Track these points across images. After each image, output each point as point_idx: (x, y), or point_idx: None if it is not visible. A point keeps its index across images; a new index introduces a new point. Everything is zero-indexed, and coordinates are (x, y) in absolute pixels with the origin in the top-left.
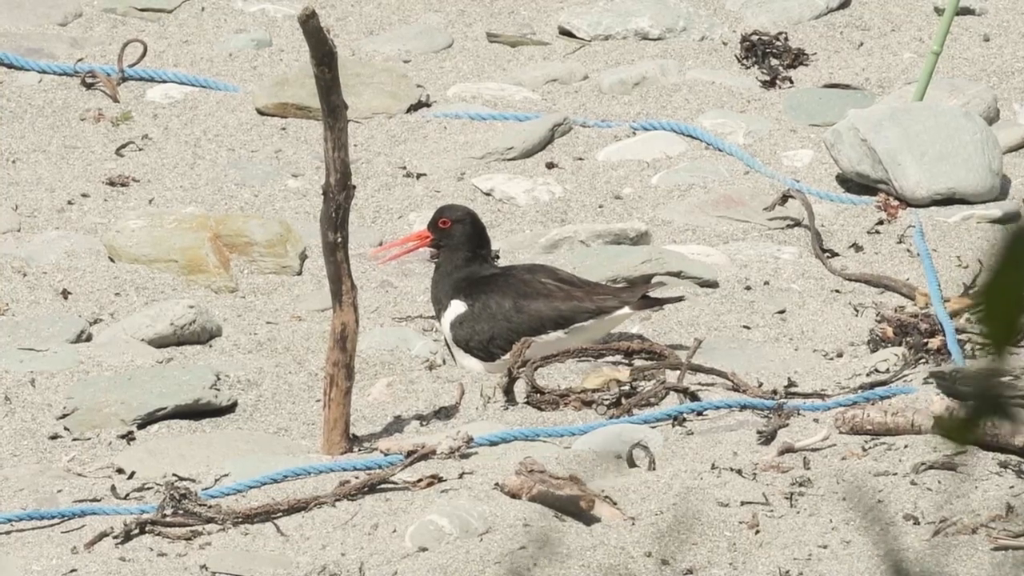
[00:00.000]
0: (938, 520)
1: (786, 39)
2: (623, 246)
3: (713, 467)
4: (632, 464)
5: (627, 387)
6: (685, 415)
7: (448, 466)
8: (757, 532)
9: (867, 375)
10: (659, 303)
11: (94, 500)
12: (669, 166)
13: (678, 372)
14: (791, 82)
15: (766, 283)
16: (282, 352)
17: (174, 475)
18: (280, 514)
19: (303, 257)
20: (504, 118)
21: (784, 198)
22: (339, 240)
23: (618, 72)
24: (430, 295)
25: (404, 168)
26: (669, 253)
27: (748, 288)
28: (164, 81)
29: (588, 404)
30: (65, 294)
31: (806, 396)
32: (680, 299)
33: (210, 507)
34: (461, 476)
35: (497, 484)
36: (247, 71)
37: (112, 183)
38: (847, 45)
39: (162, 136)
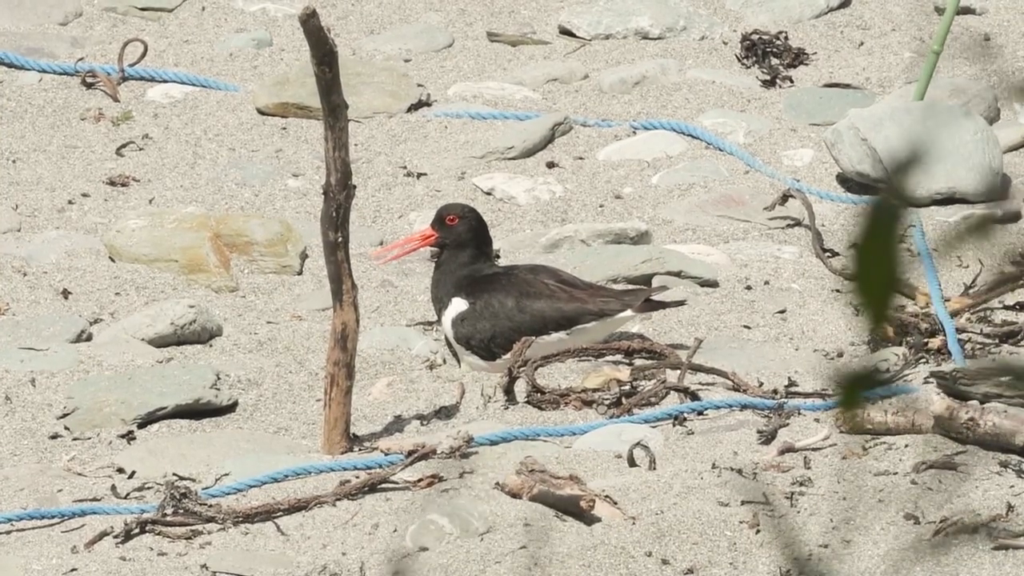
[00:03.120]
0: (939, 520)
1: (786, 38)
2: (623, 245)
3: (714, 466)
4: (633, 464)
5: (627, 387)
6: (686, 415)
7: (448, 466)
8: (758, 532)
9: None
10: (662, 306)
11: (94, 500)
12: (669, 165)
13: (678, 372)
14: (791, 81)
15: (766, 283)
16: (282, 352)
17: (174, 474)
18: (280, 513)
19: (303, 256)
20: (505, 117)
21: (784, 198)
22: (340, 240)
23: (618, 71)
24: (430, 294)
25: (405, 168)
26: (669, 252)
27: (748, 288)
28: (164, 81)
29: (588, 404)
30: (65, 294)
31: (807, 396)
32: (682, 303)
33: (210, 506)
34: (461, 476)
35: (497, 484)
36: (247, 70)
37: (112, 183)
38: (847, 44)
39: (162, 136)
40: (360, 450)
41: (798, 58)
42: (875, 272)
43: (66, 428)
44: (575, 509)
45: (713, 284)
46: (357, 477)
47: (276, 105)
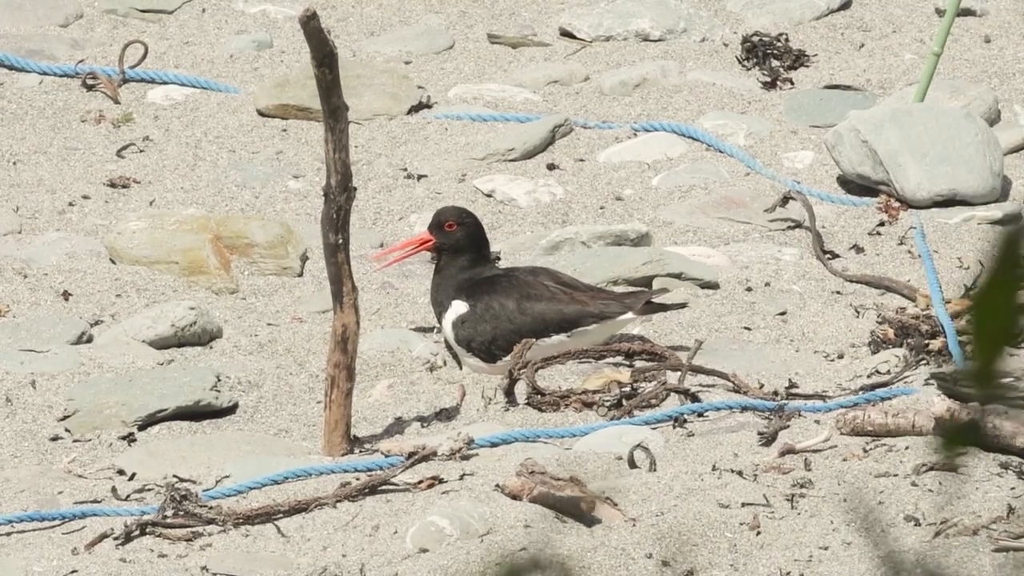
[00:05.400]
0: (939, 521)
1: (787, 40)
2: (624, 247)
3: (714, 468)
4: (633, 465)
5: (628, 388)
6: (686, 416)
7: (449, 467)
8: (758, 533)
9: (868, 376)
10: (662, 308)
11: (95, 501)
12: (670, 167)
13: (679, 373)
14: (792, 83)
15: (767, 284)
16: (283, 353)
17: (175, 476)
18: (281, 515)
19: (304, 258)
20: (505, 119)
21: (785, 199)
22: (340, 242)
23: (619, 73)
24: (430, 298)
25: (405, 170)
26: (670, 255)
27: (749, 289)
28: (165, 82)
29: (589, 405)
30: (66, 295)
31: (807, 397)
32: (683, 306)
33: (211, 508)
34: (462, 477)
35: (498, 485)
36: (248, 72)
37: (113, 184)
38: (848, 46)
39: (163, 137)
40: (360, 452)
41: (799, 60)
42: (1001, 305)
43: (66, 430)
44: (575, 511)
45: (713, 286)
46: (357, 479)
47: (276, 107)
